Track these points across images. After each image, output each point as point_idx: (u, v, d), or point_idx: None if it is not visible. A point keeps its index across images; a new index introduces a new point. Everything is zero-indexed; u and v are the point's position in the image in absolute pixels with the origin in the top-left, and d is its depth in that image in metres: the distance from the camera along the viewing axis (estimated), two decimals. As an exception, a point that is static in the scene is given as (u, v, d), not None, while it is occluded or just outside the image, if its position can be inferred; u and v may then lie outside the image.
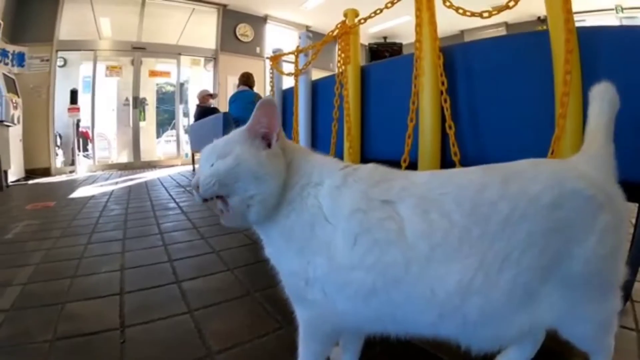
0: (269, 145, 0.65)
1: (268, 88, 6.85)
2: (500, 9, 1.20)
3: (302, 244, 0.61)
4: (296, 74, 2.04)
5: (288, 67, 2.44)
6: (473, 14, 1.26)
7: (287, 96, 2.40)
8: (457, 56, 1.34)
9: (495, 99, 1.27)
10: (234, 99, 4.60)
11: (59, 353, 0.86)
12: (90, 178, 4.72)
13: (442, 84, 1.28)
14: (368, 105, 1.77)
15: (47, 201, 2.92)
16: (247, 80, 4.71)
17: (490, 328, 0.57)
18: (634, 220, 1.05)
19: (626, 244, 0.62)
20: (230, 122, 3.92)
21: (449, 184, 0.59)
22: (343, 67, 1.73)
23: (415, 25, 1.38)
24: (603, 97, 0.67)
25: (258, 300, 1.15)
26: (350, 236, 0.57)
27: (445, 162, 1.36)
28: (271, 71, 2.35)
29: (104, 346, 0.88)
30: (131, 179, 4.43)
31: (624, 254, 0.60)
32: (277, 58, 2.35)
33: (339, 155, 1.84)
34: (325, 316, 0.63)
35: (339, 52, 1.73)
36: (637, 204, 1.02)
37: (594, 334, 0.61)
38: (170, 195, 3.16)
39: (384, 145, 1.73)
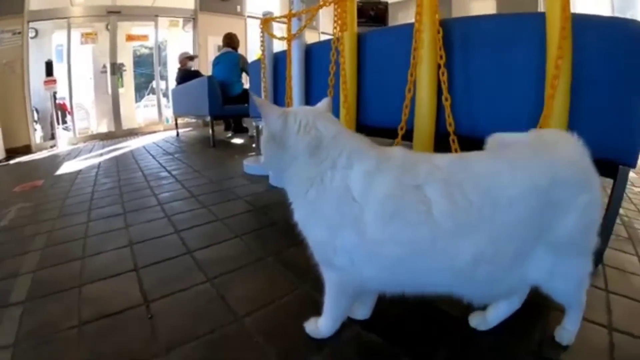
0: None
1: (250, 49, 6.56)
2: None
3: (328, 218, 0.67)
4: (289, 39, 1.93)
5: (277, 30, 2.31)
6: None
7: (279, 60, 2.29)
8: (455, 30, 1.33)
9: (489, 74, 1.29)
10: (217, 61, 4.37)
11: (90, 337, 0.84)
12: (72, 152, 4.50)
13: (441, 57, 1.28)
14: (364, 73, 1.71)
15: (34, 180, 2.78)
16: (230, 41, 4.46)
17: (492, 287, 0.70)
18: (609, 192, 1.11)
19: (600, 215, 0.71)
20: (215, 86, 3.75)
21: (467, 169, 0.66)
22: (339, 33, 1.64)
23: (416, -1, 1.33)
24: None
25: (271, 265, 1.17)
26: (383, 216, 0.63)
27: (439, 132, 1.39)
28: (261, 34, 2.21)
29: (133, 323, 0.88)
30: (116, 149, 4.24)
31: (598, 226, 0.70)
32: (268, 21, 2.21)
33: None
34: (350, 279, 0.71)
35: (335, 18, 1.64)
36: (612, 180, 1.09)
37: (570, 289, 0.73)
38: (160, 163, 3.06)
39: (379, 114, 1.70)
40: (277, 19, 2.22)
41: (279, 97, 2.32)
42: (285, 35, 2.00)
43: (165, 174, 2.63)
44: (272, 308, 0.93)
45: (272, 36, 2.19)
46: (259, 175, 2.38)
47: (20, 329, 0.88)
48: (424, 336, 0.84)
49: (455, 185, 0.63)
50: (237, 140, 4.42)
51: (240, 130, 4.91)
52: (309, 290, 1.01)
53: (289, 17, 1.94)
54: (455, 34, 1.33)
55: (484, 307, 0.84)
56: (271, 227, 1.51)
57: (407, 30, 1.38)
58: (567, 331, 0.79)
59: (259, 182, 2.24)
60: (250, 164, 2.51)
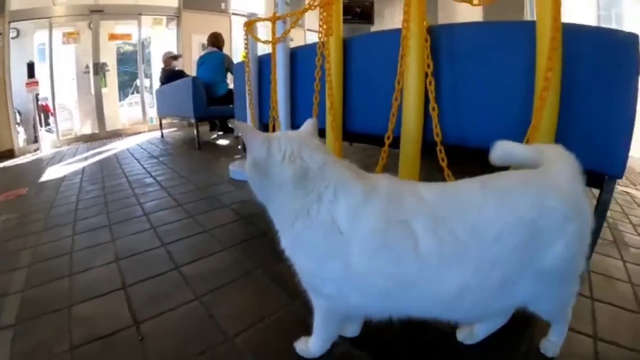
0: None
1: (235, 48, 6.47)
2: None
3: (315, 250, 0.67)
4: (274, 42, 1.91)
5: (262, 30, 2.27)
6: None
7: (264, 63, 2.26)
8: (442, 37, 1.32)
9: (477, 83, 1.29)
10: (202, 61, 4.28)
11: (83, 362, 0.83)
12: (56, 155, 4.38)
13: (428, 66, 1.27)
14: (350, 79, 1.70)
15: (19, 189, 2.70)
16: (216, 40, 4.37)
17: (477, 312, 0.72)
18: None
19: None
20: (200, 87, 3.68)
21: (454, 203, 0.65)
22: (325, 38, 1.62)
23: (403, 4, 1.31)
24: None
25: (259, 279, 1.16)
26: (369, 250, 0.63)
27: (426, 141, 1.39)
28: (245, 37, 2.18)
29: (123, 346, 0.86)
30: (100, 152, 4.14)
31: (585, 252, 0.69)
32: (251, 23, 2.17)
33: (321, 126, 1.80)
34: (338, 306, 0.72)
35: (321, 22, 1.62)
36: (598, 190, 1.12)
37: (556, 309, 0.75)
38: (144, 168, 3.00)
39: (366, 120, 1.70)
40: (260, 21, 2.19)
41: (264, 101, 2.29)
42: (269, 37, 1.97)
43: (150, 179, 2.58)
44: (262, 326, 0.92)
45: (256, 39, 2.16)
46: (244, 180, 2.34)
47: (12, 355, 0.86)
48: (413, 351, 0.84)
49: (441, 220, 0.63)
50: (223, 141, 4.36)
51: (226, 130, 4.85)
52: (298, 308, 1.00)
53: (273, 20, 1.91)
54: (443, 41, 1.32)
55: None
56: (259, 238, 1.48)
57: (394, 36, 1.37)
58: (552, 343, 0.81)
59: (245, 188, 2.19)
60: (235, 169, 2.47)
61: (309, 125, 0.77)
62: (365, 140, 2.41)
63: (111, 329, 0.92)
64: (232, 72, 4.24)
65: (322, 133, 1.85)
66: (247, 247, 1.41)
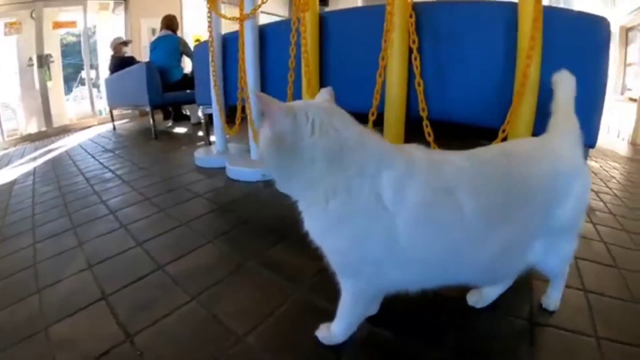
0: None
1: (186, 31, 5.97)
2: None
3: (356, 228, 0.61)
4: (242, 19, 1.75)
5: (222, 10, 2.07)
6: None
7: (229, 42, 2.08)
8: (426, 14, 1.30)
9: (459, 60, 1.29)
10: (155, 45, 3.93)
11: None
12: (3, 158, 3.81)
13: (414, 42, 1.24)
14: (327, 56, 1.62)
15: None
16: (170, 23, 4.03)
17: (505, 274, 0.77)
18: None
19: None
20: (154, 72, 3.36)
21: (486, 170, 0.66)
22: (301, 14, 1.51)
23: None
24: (566, 82, 0.85)
25: (255, 270, 1.09)
26: (418, 223, 0.60)
27: (409, 117, 1.38)
28: (209, 14, 1.98)
29: (122, 365, 0.74)
30: (49, 151, 3.64)
31: (585, 211, 0.77)
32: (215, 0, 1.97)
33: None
34: (373, 285, 0.68)
35: None
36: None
37: (560, 266, 0.81)
38: (100, 163, 2.70)
39: (345, 98, 1.59)
40: None
41: (230, 83, 2.14)
42: (235, 15, 1.81)
43: (109, 175, 2.32)
44: (272, 320, 0.85)
45: (222, 16, 1.98)
46: (213, 167, 2.20)
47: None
48: (430, 322, 0.84)
49: (479, 187, 0.63)
50: (180, 129, 4.08)
51: (180, 118, 4.55)
52: (305, 294, 0.95)
53: None
54: (427, 18, 1.30)
55: (477, 287, 0.88)
56: (243, 226, 1.40)
57: (375, 12, 1.33)
58: (553, 299, 0.87)
59: (215, 175, 2.07)
60: (202, 156, 2.31)
61: (326, 94, 0.69)
62: None
63: (102, 348, 0.78)
64: (188, 56, 3.95)
65: None
66: (232, 238, 1.31)
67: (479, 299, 0.88)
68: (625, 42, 4.60)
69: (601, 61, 1.14)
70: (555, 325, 0.83)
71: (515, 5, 1.14)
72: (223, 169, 2.09)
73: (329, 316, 0.77)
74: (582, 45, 1.13)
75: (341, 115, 0.64)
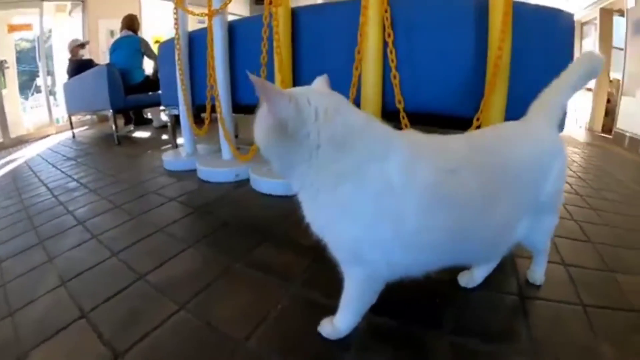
0: None
1: (146, 32, 5.65)
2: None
3: (365, 213, 0.60)
4: (210, 15, 1.67)
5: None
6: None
7: (196, 40, 1.98)
8: (400, 8, 1.31)
9: (431, 52, 1.32)
10: (116, 47, 3.72)
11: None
12: None
13: (389, 35, 1.26)
14: (300, 51, 1.59)
15: None
16: (131, 23, 3.84)
17: (501, 250, 0.78)
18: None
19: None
20: (116, 75, 3.16)
21: (482, 152, 0.68)
22: (273, 8, 1.46)
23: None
24: (588, 65, 0.80)
25: (243, 271, 1.05)
26: (425, 204, 0.60)
27: (386, 109, 1.39)
28: (175, 10, 1.87)
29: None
30: (7, 163, 3.29)
31: (563, 187, 0.82)
32: None
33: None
34: (380, 271, 0.66)
35: None
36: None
37: (543, 240, 0.86)
38: (63, 172, 2.48)
39: None
40: None
41: (198, 82, 2.05)
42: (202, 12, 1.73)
43: (74, 184, 2.14)
44: (271, 321, 0.82)
45: (189, 12, 1.88)
46: (183, 170, 2.11)
47: None
48: (428, 307, 0.86)
49: (479, 167, 0.65)
50: (142, 134, 3.88)
51: (142, 123, 4.34)
52: (299, 289, 0.93)
53: None
54: (401, 11, 1.31)
55: (468, 268, 0.91)
56: (223, 228, 1.35)
57: (348, 7, 1.33)
58: (538, 273, 0.92)
59: (186, 178, 1.98)
60: (170, 159, 2.20)
61: (322, 82, 0.68)
62: None
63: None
64: (149, 57, 3.77)
65: None
66: (214, 241, 1.26)
67: (469, 279, 0.91)
68: (581, 36, 4.93)
69: (567, 52, 1.23)
70: (544, 298, 0.88)
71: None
72: (194, 171, 2.01)
73: (328, 311, 0.76)
74: (549, 37, 1.20)
75: (343, 100, 0.63)
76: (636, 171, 2.70)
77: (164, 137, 3.49)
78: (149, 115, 4.35)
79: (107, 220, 1.51)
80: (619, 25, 4.00)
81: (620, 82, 3.78)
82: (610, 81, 4.51)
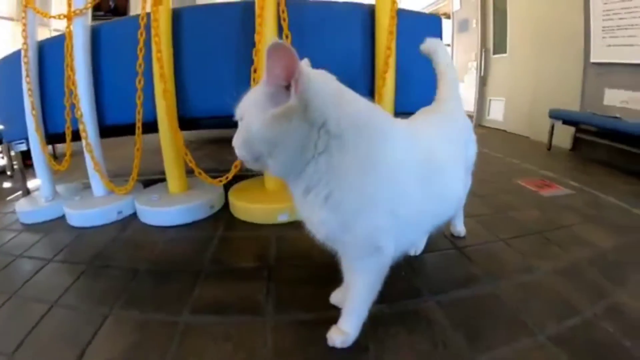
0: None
1: None
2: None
3: (384, 199, 0.59)
4: (69, 16, 1.33)
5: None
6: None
7: (50, 49, 1.53)
8: (292, 12, 1.31)
9: (322, 55, 1.38)
10: None
11: None
12: None
13: (287, 37, 1.27)
14: (182, 57, 1.43)
15: None
16: None
17: (461, 205, 1.02)
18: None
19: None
20: None
21: (436, 130, 0.78)
22: (152, 7, 1.27)
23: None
24: (439, 49, 0.99)
25: (204, 322, 0.87)
26: (422, 179, 0.64)
27: None
28: (24, 14, 1.41)
29: None
30: None
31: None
32: None
33: (149, 117, 1.47)
34: (390, 256, 0.65)
35: None
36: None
37: (464, 197, 1.01)
38: None
39: (206, 103, 1.48)
40: None
41: (52, 101, 1.62)
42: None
43: None
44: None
45: (43, 14, 1.45)
46: (46, 220, 1.58)
47: None
48: (400, 282, 0.93)
49: (442, 137, 0.76)
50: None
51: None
52: (280, 317, 0.84)
53: None
54: (292, 15, 1.32)
55: None
56: (137, 279, 1.06)
57: (236, 8, 1.30)
58: (459, 226, 1.15)
59: (55, 229, 1.48)
60: (27, 209, 1.65)
61: (307, 64, 0.63)
62: (207, 125, 2.14)
63: None
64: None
65: (147, 127, 1.51)
66: (135, 298, 0.96)
67: (417, 248, 1.04)
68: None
69: None
70: (471, 244, 1.10)
71: (372, 6, 1.37)
72: (61, 218, 1.55)
73: (324, 323, 0.74)
74: (424, 36, 1.42)
75: (343, 86, 0.59)
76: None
77: (6, 184, 2.63)
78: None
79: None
80: (446, 25, 5.07)
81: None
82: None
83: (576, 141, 2.61)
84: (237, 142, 0.58)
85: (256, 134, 0.53)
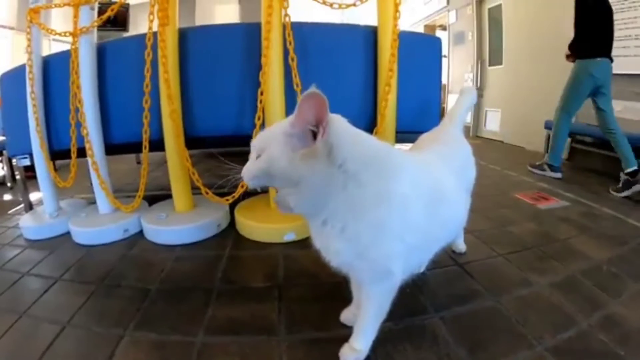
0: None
1: None
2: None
3: (396, 228, 0.64)
4: (75, 34, 1.37)
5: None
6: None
7: (54, 66, 1.57)
8: (297, 34, 1.36)
9: (331, 74, 1.47)
10: None
11: None
12: None
13: (292, 59, 1.32)
14: (189, 77, 1.48)
15: None
16: None
17: (462, 227, 1.05)
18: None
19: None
20: None
21: (443, 156, 0.86)
22: (159, 28, 1.32)
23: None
24: (466, 95, 1.11)
25: (224, 344, 0.91)
26: (429, 208, 0.70)
27: None
28: (28, 29, 1.45)
29: None
30: None
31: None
32: (37, 10, 1.46)
33: (154, 136, 1.52)
34: (399, 278, 0.71)
35: (152, 9, 1.31)
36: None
37: (466, 215, 1.04)
38: None
39: (212, 122, 1.54)
40: (58, 7, 1.52)
41: (56, 121, 1.67)
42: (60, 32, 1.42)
43: None
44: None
45: (49, 31, 1.49)
46: (51, 237, 1.61)
47: None
48: (405, 298, 0.95)
49: (447, 168, 0.82)
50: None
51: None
52: (294, 337, 0.88)
53: (75, 4, 1.38)
54: (301, 37, 1.39)
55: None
56: (149, 300, 1.08)
57: (241, 29, 1.36)
58: (461, 243, 1.21)
59: (60, 246, 1.50)
60: (31, 225, 1.68)
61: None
62: (211, 144, 2.19)
63: None
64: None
65: (152, 146, 1.55)
66: (150, 320, 0.98)
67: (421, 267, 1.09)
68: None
69: (438, 68, 1.59)
70: (472, 260, 1.16)
71: (374, 28, 1.43)
72: (65, 235, 1.57)
73: (336, 341, 0.78)
74: (424, 56, 1.52)
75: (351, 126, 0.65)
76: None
77: (6, 197, 2.63)
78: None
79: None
80: (443, 38, 5.17)
81: (446, 84, 4.87)
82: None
83: (572, 151, 2.69)
84: (249, 174, 0.62)
85: (281, 170, 0.58)
